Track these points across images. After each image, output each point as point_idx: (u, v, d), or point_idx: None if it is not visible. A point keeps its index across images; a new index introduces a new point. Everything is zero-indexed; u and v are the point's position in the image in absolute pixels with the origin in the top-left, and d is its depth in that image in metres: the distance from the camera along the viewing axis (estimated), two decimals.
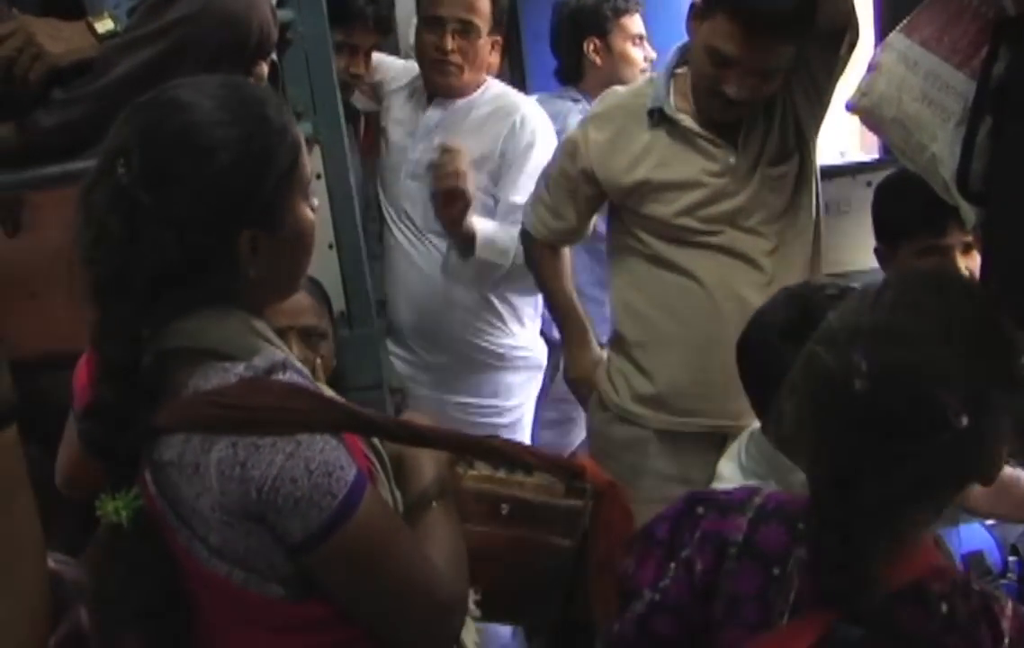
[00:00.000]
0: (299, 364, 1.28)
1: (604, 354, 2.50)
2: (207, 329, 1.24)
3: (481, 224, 2.70)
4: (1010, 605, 1.22)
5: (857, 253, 2.67)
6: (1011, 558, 1.97)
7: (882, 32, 2.42)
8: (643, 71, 3.04)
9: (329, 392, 1.36)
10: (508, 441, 1.57)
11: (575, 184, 2.37)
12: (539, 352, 2.94)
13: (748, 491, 1.38)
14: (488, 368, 2.84)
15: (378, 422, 1.35)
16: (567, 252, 2.56)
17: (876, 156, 3.12)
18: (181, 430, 1.21)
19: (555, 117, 2.89)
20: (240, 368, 1.21)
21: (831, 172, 2.71)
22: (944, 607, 1.19)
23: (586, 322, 2.53)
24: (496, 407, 2.86)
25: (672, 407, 2.30)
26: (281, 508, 1.18)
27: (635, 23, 3.14)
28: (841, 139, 3.27)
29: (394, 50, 3.16)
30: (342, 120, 2.41)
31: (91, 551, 1.28)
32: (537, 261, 2.54)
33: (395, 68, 2.96)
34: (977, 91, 1.71)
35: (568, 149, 2.40)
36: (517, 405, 2.91)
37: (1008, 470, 2.05)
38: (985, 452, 1.20)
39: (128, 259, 1.20)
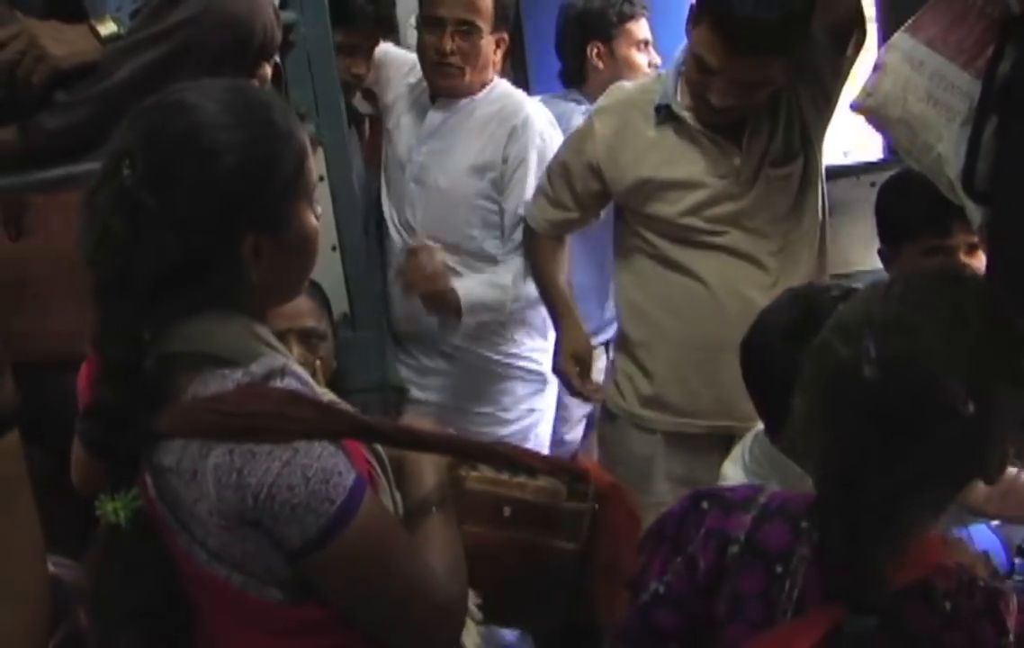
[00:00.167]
0: (299, 369, 1.28)
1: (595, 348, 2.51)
2: (208, 333, 1.24)
3: (464, 289, 2.62)
4: (1015, 601, 1.22)
5: (861, 254, 2.67)
6: (1017, 559, 1.95)
7: (885, 33, 2.42)
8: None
9: (329, 395, 1.36)
10: (510, 445, 1.57)
11: (578, 177, 2.36)
12: (545, 362, 2.81)
13: (753, 489, 1.39)
14: (488, 375, 2.79)
15: (378, 428, 1.34)
16: (567, 244, 2.56)
17: (880, 156, 3.12)
18: (180, 436, 1.21)
19: (559, 118, 2.86)
20: (238, 374, 1.21)
21: (835, 173, 2.70)
22: (948, 605, 1.20)
23: (575, 308, 2.52)
24: (496, 415, 2.80)
25: (678, 409, 2.30)
26: (278, 515, 1.18)
27: (641, 28, 3.11)
28: (845, 139, 3.26)
29: None
30: (345, 122, 2.41)
31: (90, 551, 1.28)
32: (536, 250, 2.54)
33: (404, 61, 2.88)
34: (982, 90, 1.71)
35: (574, 143, 2.39)
36: (520, 416, 2.82)
37: (1014, 471, 2.05)
38: (990, 449, 1.21)
39: (131, 260, 1.20)
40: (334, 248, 2.39)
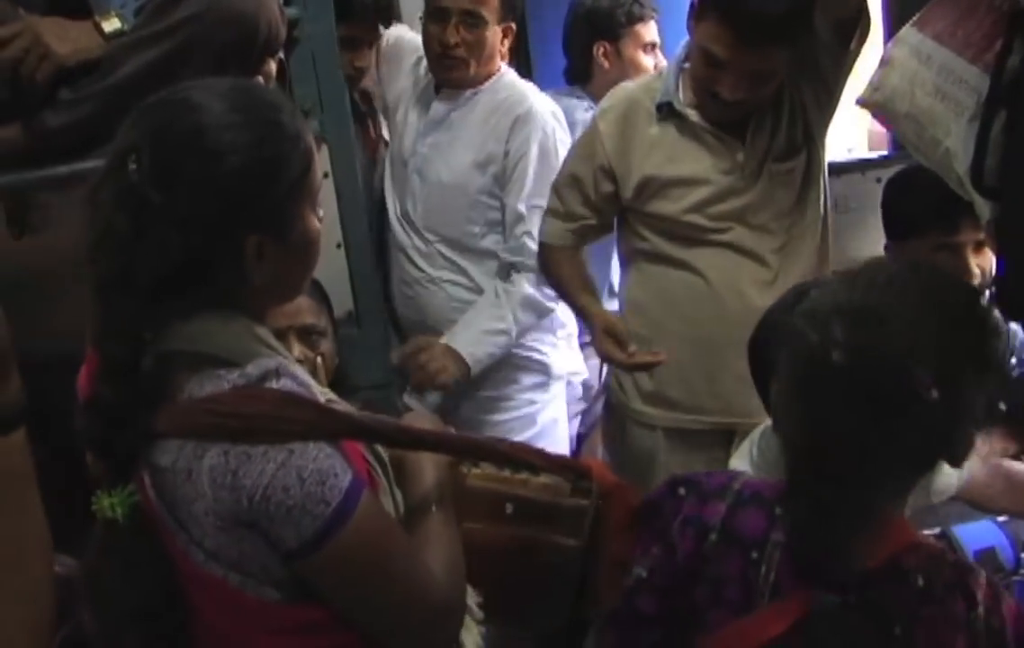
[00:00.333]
0: (298, 370, 1.28)
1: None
2: (208, 333, 1.24)
3: (469, 352, 2.59)
4: (983, 576, 1.27)
5: (866, 250, 2.65)
6: (1023, 554, 1.95)
7: (891, 28, 2.41)
8: None
9: (329, 395, 1.36)
10: (512, 442, 1.56)
11: (590, 183, 2.32)
12: (556, 360, 2.81)
13: (727, 477, 1.42)
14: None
15: (376, 428, 1.34)
16: (585, 254, 2.50)
17: (885, 152, 3.11)
18: (176, 436, 1.21)
19: (562, 113, 2.86)
20: (234, 375, 1.21)
21: (840, 168, 2.70)
22: (920, 580, 1.24)
23: (598, 295, 2.47)
24: (498, 402, 2.76)
25: (679, 404, 2.30)
26: (273, 516, 1.18)
27: (649, 31, 3.11)
28: (849, 135, 3.26)
29: None
30: (350, 118, 2.40)
31: (88, 548, 1.28)
32: (554, 264, 2.45)
33: (413, 49, 2.81)
34: (991, 85, 1.70)
35: (581, 151, 2.37)
36: (520, 405, 2.78)
37: (1021, 466, 2.04)
38: (956, 433, 1.24)
39: (133, 257, 1.20)
40: (339, 245, 2.38)
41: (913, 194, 2.15)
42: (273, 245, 1.26)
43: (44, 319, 1.61)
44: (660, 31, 3.12)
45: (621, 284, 2.48)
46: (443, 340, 2.62)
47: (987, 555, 1.95)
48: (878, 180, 2.72)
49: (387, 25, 2.85)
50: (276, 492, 1.17)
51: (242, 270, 1.25)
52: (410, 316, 2.79)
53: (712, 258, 2.23)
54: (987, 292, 2.15)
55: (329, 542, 1.20)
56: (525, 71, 3.37)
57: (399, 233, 2.76)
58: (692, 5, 2.15)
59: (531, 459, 1.49)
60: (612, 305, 2.59)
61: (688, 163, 2.23)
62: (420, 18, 2.72)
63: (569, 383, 2.92)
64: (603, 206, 2.35)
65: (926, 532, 1.36)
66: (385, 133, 3.03)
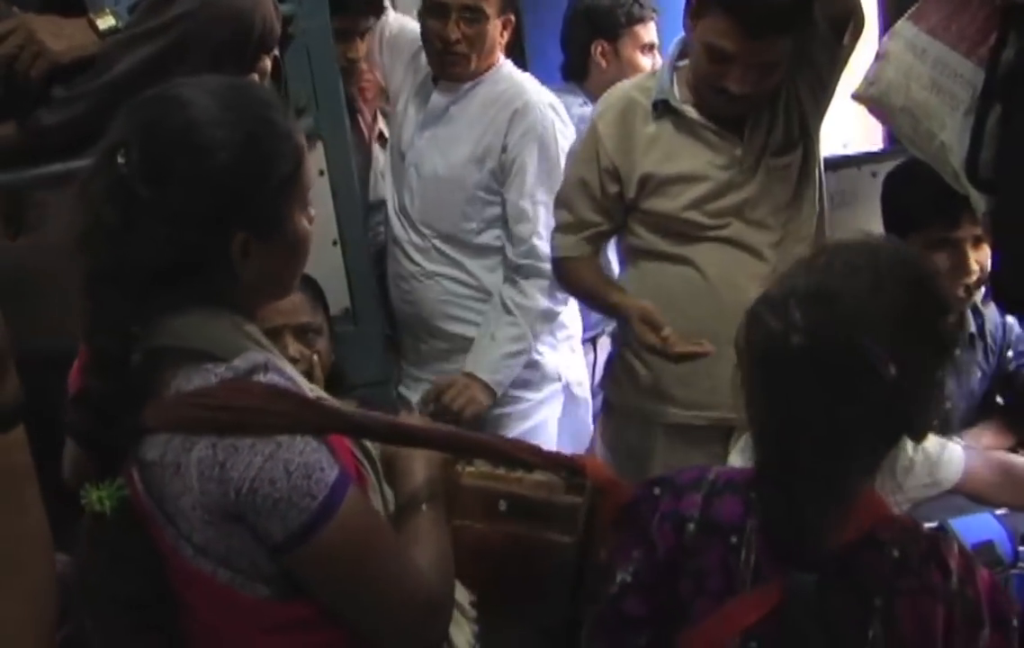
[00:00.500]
0: (286, 366, 1.29)
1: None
2: (196, 329, 1.25)
3: (491, 375, 2.58)
4: (956, 545, 1.31)
5: None
6: (1021, 548, 1.95)
7: (887, 22, 2.41)
8: None
9: (318, 391, 1.36)
10: (505, 439, 1.57)
11: (597, 186, 2.30)
12: (551, 361, 2.76)
13: (700, 470, 1.44)
14: None
15: (365, 424, 1.34)
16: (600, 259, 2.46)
17: (881, 147, 3.11)
18: (164, 431, 1.22)
19: None
20: (221, 369, 1.21)
21: (835, 163, 2.69)
22: (896, 552, 1.28)
23: (623, 289, 2.38)
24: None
25: (676, 399, 2.30)
26: (260, 509, 1.18)
27: (648, 32, 3.10)
28: (845, 130, 3.25)
29: None
30: (345, 116, 2.40)
31: (77, 541, 1.29)
32: (571, 272, 2.40)
33: (413, 41, 2.76)
34: (986, 78, 1.70)
35: (583, 156, 2.33)
36: (504, 403, 2.70)
37: (1018, 458, 2.05)
38: (915, 408, 1.27)
39: (122, 250, 1.21)
40: (335, 243, 2.38)
41: (914, 188, 2.14)
42: (260, 243, 1.26)
43: (41, 317, 1.61)
44: (659, 31, 3.11)
45: (620, 281, 2.47)
46: (465, 368, 2.61)
47: (985, 548, 1.95)
48: (873, 174, 2.71)
49: (378, 17, 2.82)
50: (263, 485, 1.18)
51: (231, 267, 1.26)
52: (406, 310, 2.77)
53: (710, 253, 2.23)
54: (983, 287, 2.16)
55: (315, 536, 1.20)
56: (520, 67, 3.37)
57: (396, 227, 2.74)
58: (689, 2, 2.15)
59: (525, 456, 1.49)
60: None
61: (686, 159, 2.23)
62: (417, 12, 2.70)
63: (573, 393, 2.86)
64: (612, 208, 2.32)
65: (924, 526, 1.37)
66: (383, 126, 3.03)
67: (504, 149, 2.61)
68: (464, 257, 2.68)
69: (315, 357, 2.01)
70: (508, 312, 2.62)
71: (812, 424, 1.24)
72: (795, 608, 1.27)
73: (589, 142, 2.32)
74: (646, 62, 3.07)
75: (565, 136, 2.63)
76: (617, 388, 2.43)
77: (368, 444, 1.36)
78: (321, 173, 2.31)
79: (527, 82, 2.70)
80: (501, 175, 2.62)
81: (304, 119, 2.26)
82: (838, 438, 1.24)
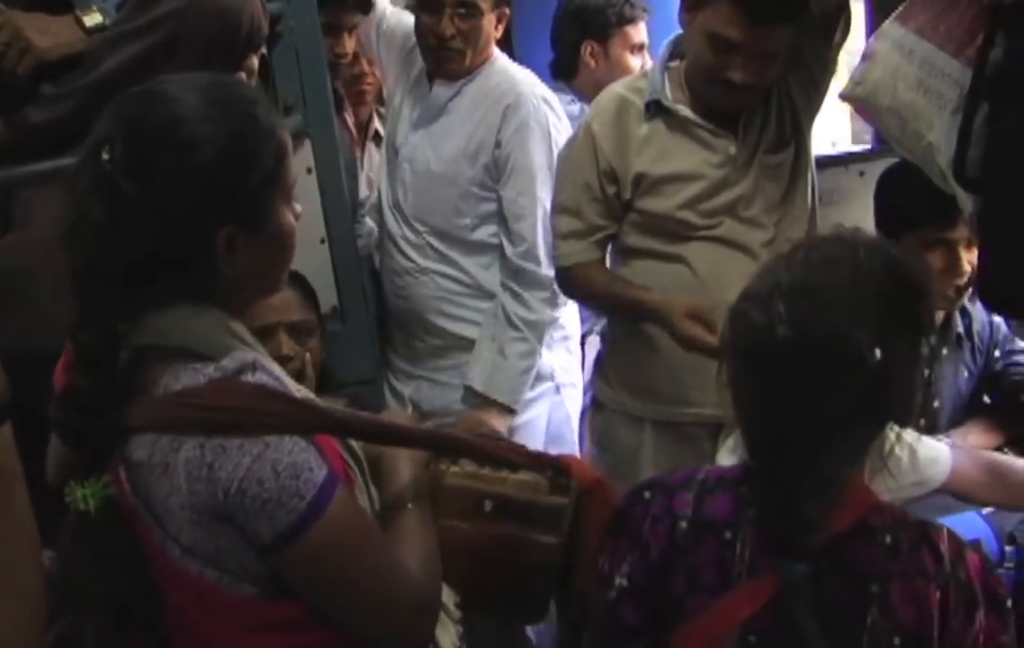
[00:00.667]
0: (273, 365, 1.29)
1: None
2: (182, 326, 1.25)
3: (509, 394, 2.59)
4: (946, 531, 1.35)
5: None
6: (1008, 547, 1.96)
7: (874, 22, 2.41)
8: None
9: (304, 391, 1.36)
10: (490, 439, 1.56)
11: (599, 188, 2.27)
12: (546, 360, 2.73)
13: (689, 471, 1.46)
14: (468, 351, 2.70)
15: (351, 423, 1.34)
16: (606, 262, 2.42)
17: (869, 146, 3.12)
18: (152, 431, 1.21)
19: None
20: (210, 369, 1.21)
21: (824, 162, 2.69)
22: (888, 538, 1.31)
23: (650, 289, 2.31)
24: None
25: (666, 397, 2.29)
26: (248, 509, 1.18)
27: (638, 32, 3.10)
28: (833, 129, 3.26)
29: None
30: (333, 114, 2.39)
31: (60, 539, 1.28)
32: (582, 279, 2.36)
33: (409, 35, 2.74)
34: (973, 78, 1.70)
35: (581, 160, 2.31)
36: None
37: (1005, 458, 2.05)
38: (898, 392, 1.30)
39: (108, 246, 1.21)
40: (323, 241, 2.37)
41: (908, 189, 2.13)
42: (245, 238, 1.26)
43: (27, 315, 1.60)
44: (649, 31, 3.11)
45: None
46: (480, 387, 2.61)
47: (972, 547, 1.96)
48: (861, 174, 2.72)
49: (365, 13, 2.81)
50: (251, 485, 1.18)
51: (215, 263, 1.26)
52: (400, 306, 2.76)
53: (702, 252, 2.23)
54: (971, 286, 2.17)
55: (303, 536, 1.20)
56: None
57: (391, 223, 2.74)
58: None
59: (509, 456, 1.50)
60: None
61: (680, 158, 2.23)
62: (406, 4, 2.70)
63: (564, 393, 2.84)
64: (614, 210, 2.30)
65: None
66: (379, 126, 3.03)
67: (498, 145, 2.59)
68: (458, 254, 2.67)
69: (307, 356, 2.01)
70: (514, 327, 2.61)
71: (799, 415, 1.26)
72: (791, 599, 1.28)
73: (586, 146, 2.29)
74: (635, 62, 3.07)
75: (560, 130, 2.61)
76: (605, 385, 2.43)
77: (354, 444, 1.36)
78: (309, 171, 2.31)
79: (520, 76, 2.68)
80: (495, 171, 2.61)
81: (292, 117, 2.26)
82: (825, 427, 1.27)
